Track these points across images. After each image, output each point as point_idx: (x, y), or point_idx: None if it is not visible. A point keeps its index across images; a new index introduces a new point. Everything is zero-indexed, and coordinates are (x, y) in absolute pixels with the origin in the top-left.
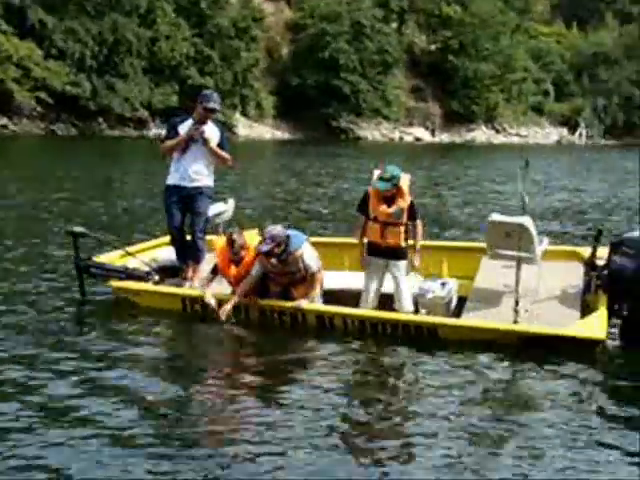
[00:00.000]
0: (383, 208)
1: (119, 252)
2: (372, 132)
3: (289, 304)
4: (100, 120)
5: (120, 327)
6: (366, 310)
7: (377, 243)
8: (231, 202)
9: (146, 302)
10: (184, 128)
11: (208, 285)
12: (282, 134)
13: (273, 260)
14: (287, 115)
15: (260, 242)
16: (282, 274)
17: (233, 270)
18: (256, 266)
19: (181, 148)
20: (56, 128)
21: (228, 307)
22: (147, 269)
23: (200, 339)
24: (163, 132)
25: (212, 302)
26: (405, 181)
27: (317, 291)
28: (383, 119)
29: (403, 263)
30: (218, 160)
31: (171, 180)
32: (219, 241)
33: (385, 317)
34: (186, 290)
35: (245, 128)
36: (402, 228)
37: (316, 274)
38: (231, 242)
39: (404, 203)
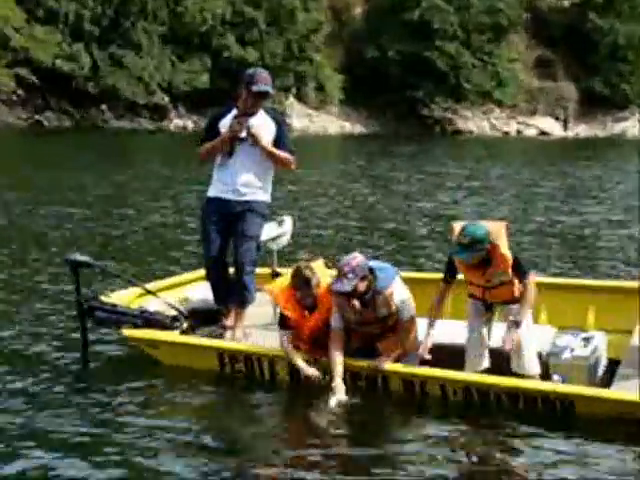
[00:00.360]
0: (477, 277)
1: (136, 289)
2: (478, 124)
3: (364, 363)
4: (103, 107)
5: (133, 395)
6: (472, 373)
7: (480, 298)
8: (288, 222)
9: (170, 358)
10: (227, 123)
11: (288, 347)
12: (353, 127)
13: (356, 303)
14: (360, 101)
15: (336, 278)
16: (365, 323)
17: (306, 320)
18: (335, 315)
19: (225, 151)
20: (43, 118)
21: (338, 382)
22: (173, 313)
23: (244, 411)
24: (203, 124)
25: (310, 372)
26: (498, 234)
27: (409, 345)
28: (494, 105)
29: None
30: (276, 163)
31: (212, 192)
32: (277, 282)
33: (499, 383)
34: (225, 343)
35: (301, 119)
36: (511, 286)
37: (409, 322)
38: (305, 281)
39: (504, 265)
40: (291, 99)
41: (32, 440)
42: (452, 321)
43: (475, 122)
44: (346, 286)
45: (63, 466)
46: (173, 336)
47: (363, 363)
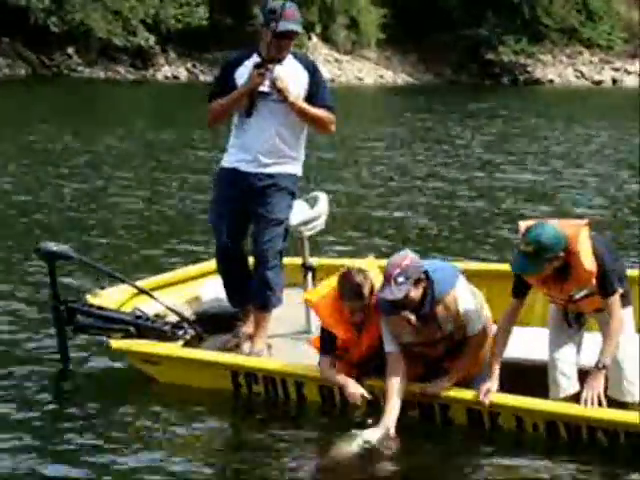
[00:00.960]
0: (555, 291)
1: (129, 288)
2: (561, 71)
3: (415, 388)
4: (70, 52)
5: (122, 430)
6: (558, 401)
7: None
8: (323, 201)
9: (171, 376)
10: (245, 72)
11: (330, 373)
12: (395, 76)
13: (411, 317)
14: (405, 43)
15: (381, 285)
16: (427, 344)
17: (356, 341)
18: (386, 336)
19: (244, 109)
20: None
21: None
22: (175, 318)
23: (260, 444)
24: (213, 75)
25: (353, 388)
26: (577, 237)
27: (479, 364)
28: (582, 47)
29: (627, 311)
30: (310, 124)
31: (227, 161)
32: (320, 289)
33: (596, 416)
34: (241, 358)
35: (327, 65)
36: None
37: (480, 336)
38: (357, 289)
39: (586, 277)
40: (314, 39)
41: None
42: (528, 328)
43: (557, 69)
44: (396, 293)
45: None
46: (173, 349)
47: (414, 387)
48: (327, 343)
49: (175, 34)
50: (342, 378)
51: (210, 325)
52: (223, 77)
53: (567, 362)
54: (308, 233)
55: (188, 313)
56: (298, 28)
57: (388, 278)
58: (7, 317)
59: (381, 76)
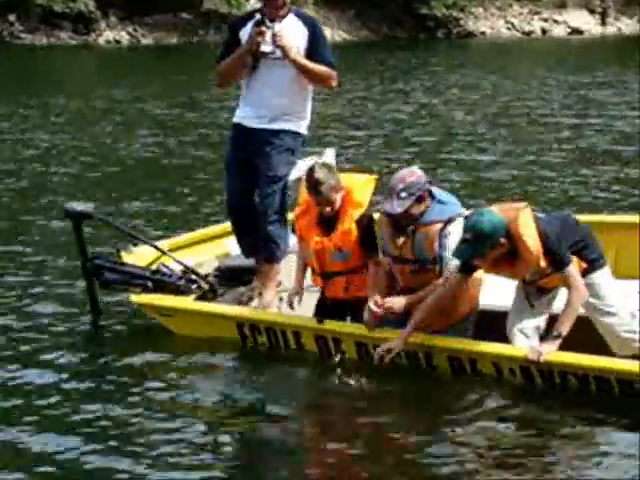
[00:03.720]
0: (507, 274)
1: (164, 243)
2: (493, 23)
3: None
4: (12, 19)
5: (139, 376)
6: (514, 346)
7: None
8: (329, 155)
9: (185, 328)
10: (247, 33)
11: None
12: (332, 33)
13: (400, 238)
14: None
15: (385, 196)
16: (401, 260)
17: (322, 237)
18: (379, 240)
19: (249, 67)
20: None
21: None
22: (193, 272)
23: (263, 390)
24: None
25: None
26: (517, 220)
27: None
28: None
29: (602, 272)
30: (311, 80)
31: (235, 117)
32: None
33: (566, 361)
34: (246, 310)
35: None
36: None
37: (447, 281)
38: (313, 182)
39: (532, 257)
40: (252, 1)
41: (33, 423)
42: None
43: (488, 21)
44: (396, 207)
45: (66, 449)
46: (183, 302)
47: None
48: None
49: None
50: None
51: (233, 279)
52: (229, 38)
53: (526, 328)
54: None
55: (212, 268)
56: None
57: (391, 191)
58: (46, 270)
59: None
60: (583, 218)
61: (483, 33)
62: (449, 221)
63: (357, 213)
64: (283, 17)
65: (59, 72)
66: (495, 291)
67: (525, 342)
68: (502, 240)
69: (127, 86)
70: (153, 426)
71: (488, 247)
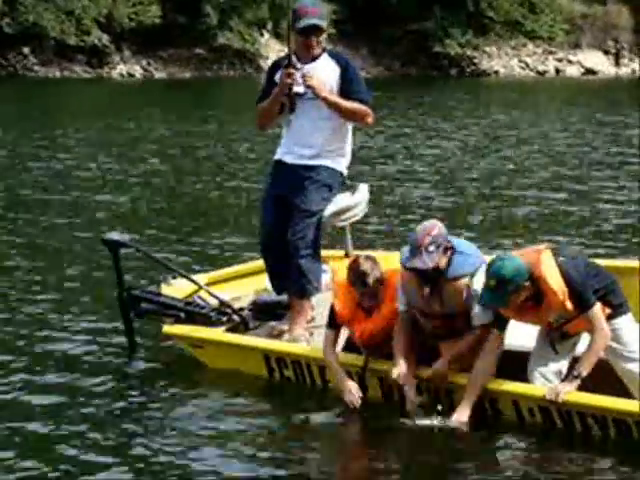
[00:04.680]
0: (534, 320)
1: (203, 276)
2: (506, 62)
3: (426, 373)
4: (26, 52)
5: (175, 403)
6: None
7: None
8: (363, 190)
9: (215, 360)
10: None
11: (328, 350)
12: None
13: (426, 289)
14: (357, 37)
15: (409, 251)
16: (428, 315)
17: (362, 321)
18: (400, 297)
19: (287, 108)
20: None
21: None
22: (226, 305)
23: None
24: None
25: (349, 387)
26: (538, 264)
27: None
28: (526, 39)
29: (625, 318)
30: (345, 118)
31: (276, 154)
32: (340, 268)
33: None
34: (273, 343)
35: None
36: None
37: (479, 332)
38: (359, 275)
39: (557, 300)
40: (266, 35)
41: (66, 441)
42: None
43: (502, 60)
44: (427, 262)
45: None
46: (214, 333)
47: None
48: (330, 317)
49: (129, 33)
50: (340, 373)
51: (267, 313)
52: (267, 80)
53: (547, 372)
54: (340, 224)
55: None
56: (319, 22)
57: (418, 246)
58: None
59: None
60: (603, 263)
61: (496, 72)
62: (474, 273)
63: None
64: (316, 58)
65: (73, 104)
66: (517, 331)
67: (546, 385)
68: (526, 284)
69: (146, 118)
70: (182, 457)
71: (512, 292)
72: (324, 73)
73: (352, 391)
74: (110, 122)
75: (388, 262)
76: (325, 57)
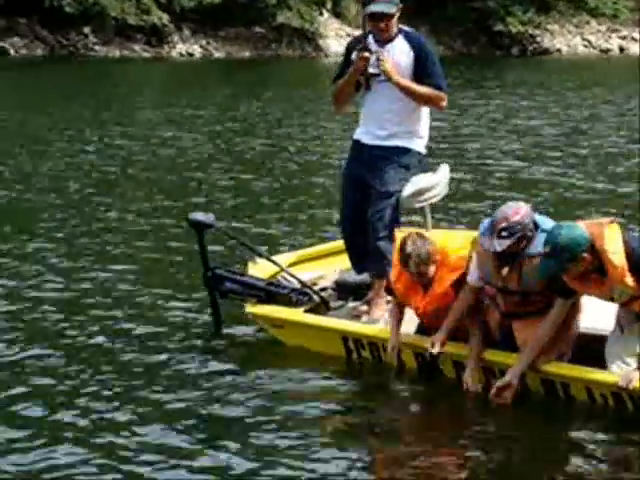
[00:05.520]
0: (597, 293)
1: (286, 257)
2: (569, 40)
3: (493, 356)
4: (86, 31)
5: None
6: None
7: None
8: (444, 170)
9: (295, 340)
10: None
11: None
12: None
13: (504, 270)
14: (415, 17)
15: (487, 230)
16: (504, 291)
17: (419, 297)
18: (472, 272)
19: (363, 87)
20: (8, 45)
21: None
22: (307, 286)
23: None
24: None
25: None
26: (601, 235)
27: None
28: (589, 16)
29: None
30: (417, 102)
31: (355, 134)
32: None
33: None
34: (351, 324)
35: (340, 40)
36: None
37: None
38: (403, 256)
39: (617, 274)
40: (326, 15)
41: (151, 418)
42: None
43: (565, 39)
44: (496, 246)
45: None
46: (294, 314)
47: (493, 355)
48: (386, 285)
49: (188, 12)
50: (393, 334)
51: (350, 293)
52: (344, 59)
53: (624, 355)
54: (419, 205)
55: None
56: (385, 9)
57: (493, 228)
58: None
59: None
60: None
61: (559, 50)
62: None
63: (453, 277)
64: (391, 39)
65: (133, 84)
66: (596, 314)
67: (622, 368)
68: (585, 255)
69: (221, 96)
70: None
71: (568, 260)
72: (398, 56)
73: (391, 349)
74: (185, 99)
75: (467, 240)
76: (400, 39)
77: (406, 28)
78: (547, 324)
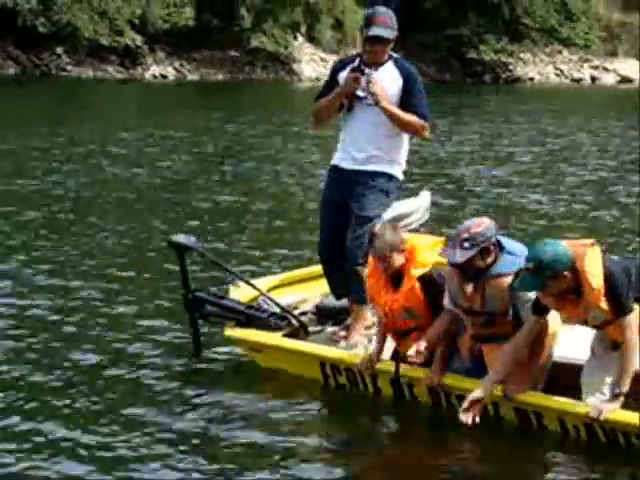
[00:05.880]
0: (571, 313)
1: (266, 281)
2: (541, 69)
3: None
4: (59, 51)
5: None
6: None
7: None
8: (426, 196)
9: (271, 364)
10: (345, 75)
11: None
12: None
13: (469, 287)
14: None
15: (450, 242)
16: (470, 312)
17: (386, 296)
18: (446, 293)
19: (345, 109)
20: None
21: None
22: (286, 310)
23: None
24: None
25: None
26: (582, 256)
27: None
28: (562, 46)
29: None
30: (401, 129)
31: (333, 159)
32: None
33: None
34: (327, 349)
35: (313, 65)
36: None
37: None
38: (370, 236)
39: (593, 297)
40: (300, 39)
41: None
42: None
43: (537, 67)
44: (457, 257)
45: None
46: (272, 338)
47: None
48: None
49: (162, 34)
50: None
51: (329, 318)
52: (330, 79)
53: (599, 384)
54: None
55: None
56: (385, 34)
57: (455, 240)
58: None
59: None
60: None
61: (531, 79)
62: (519, 273)
63: (418, 272)
64: (381, 64)
65: (107, 105)
66: (570, 343)
67: (598, 398)
68: (566, 273)
69: (202, 116)
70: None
71: (549, 278)
72: (387, 81)
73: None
74: (161, 120)
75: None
76: (390, 65)
77: (395, 55)
78: (517, 339)
